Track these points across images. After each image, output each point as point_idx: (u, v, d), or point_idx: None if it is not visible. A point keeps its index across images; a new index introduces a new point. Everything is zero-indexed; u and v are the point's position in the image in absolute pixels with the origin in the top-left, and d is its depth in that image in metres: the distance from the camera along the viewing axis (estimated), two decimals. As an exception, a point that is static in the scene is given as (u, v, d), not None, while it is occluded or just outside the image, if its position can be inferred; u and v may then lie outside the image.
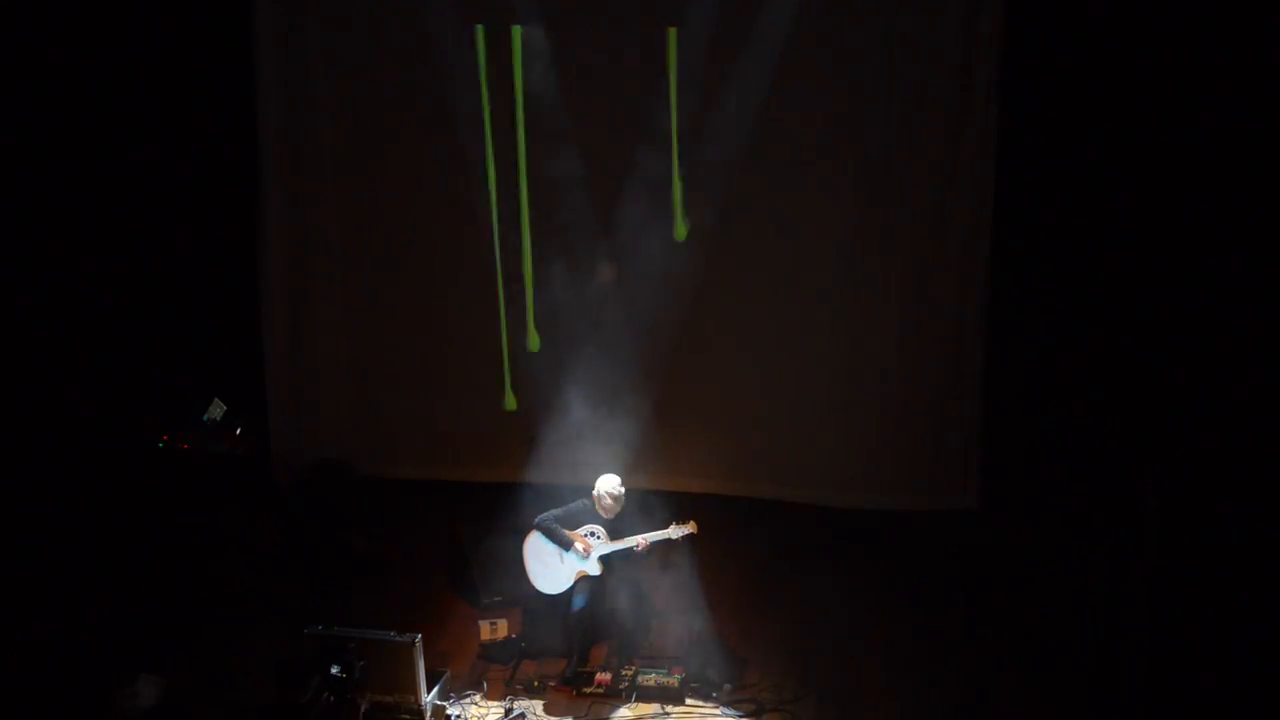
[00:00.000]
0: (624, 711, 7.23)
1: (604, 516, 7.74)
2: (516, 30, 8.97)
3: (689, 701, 7.27)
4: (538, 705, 7.27)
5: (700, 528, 7.72)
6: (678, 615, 7.95)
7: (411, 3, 9.17)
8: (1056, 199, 8.81)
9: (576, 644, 7.59)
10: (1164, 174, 8.39)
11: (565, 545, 7.65)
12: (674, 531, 7.64)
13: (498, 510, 8.51)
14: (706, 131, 9.20)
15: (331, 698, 6.49)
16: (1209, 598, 7.18)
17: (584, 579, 7.69)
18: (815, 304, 9.46)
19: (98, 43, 9.12)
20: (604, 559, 7.68)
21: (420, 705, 6.91)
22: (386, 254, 9.84)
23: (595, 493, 7.74)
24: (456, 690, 7.36)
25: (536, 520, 7.74)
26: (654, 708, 7.23)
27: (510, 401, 9.61)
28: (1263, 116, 8.06)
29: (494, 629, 7.90)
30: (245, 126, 9.45)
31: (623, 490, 7.75)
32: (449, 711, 7.15)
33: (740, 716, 7.20)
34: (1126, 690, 7.04)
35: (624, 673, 7.45)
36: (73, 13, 9.03)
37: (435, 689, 7.09)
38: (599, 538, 7.69)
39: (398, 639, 6.86)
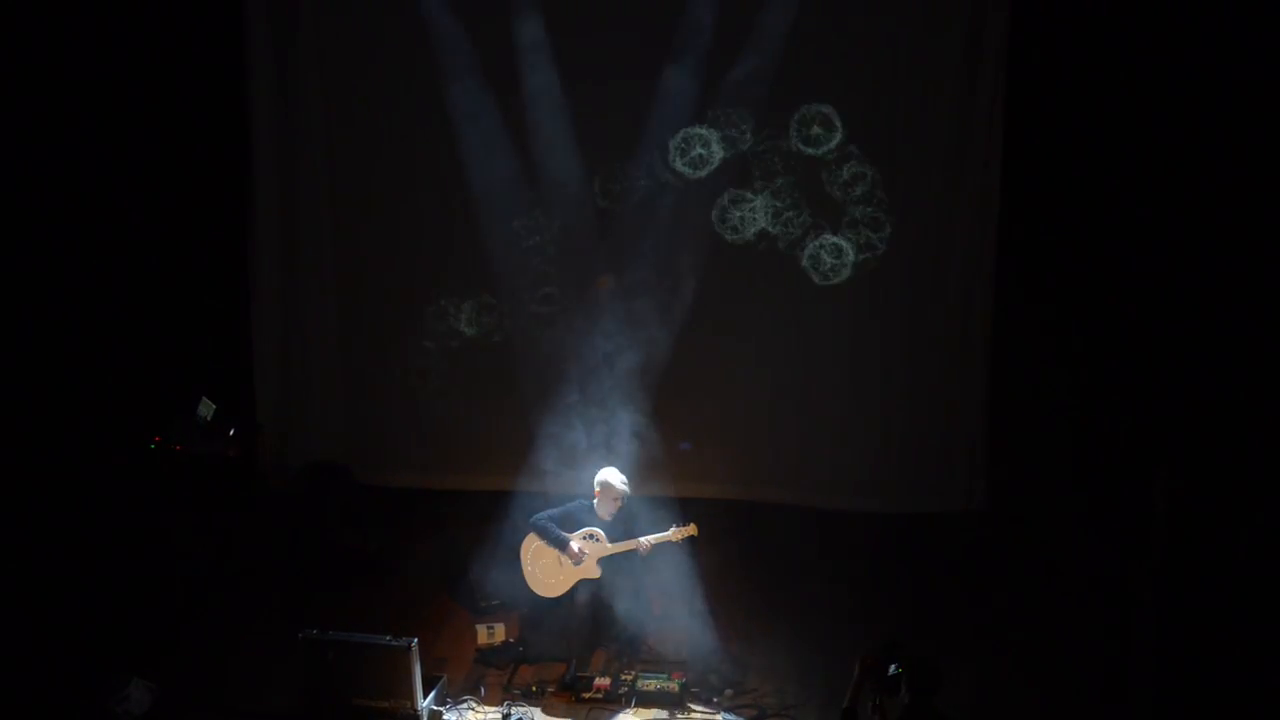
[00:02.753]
0: (624, 717, 7.13)
1: (602, 516, 7.65)
2: None
3: (690, 707, 7.18)
4: (536, 711, 7.18)
5: (705, 532, 7.65)
6: (679, 619, 7.87)
7: (407, 2, 9.15)
8: (1062, 201, 8.81)
9: (576, 648, 7.51)
10: (1170, 176, 8.40)
11: (561, 545, 7.56)
12: (674, 534, 7.55)
13: (495, 514, 8.44)
14: (709, 132, 9.19)
15: None
16: (1218, 598, 7.12)
17: (583, 582, 7.60)
18: (821, 306, 9.43)
19: (90, 43, 9.08)
20: (603, 562, 7.59)
21: (416, 710, 6.84)
22: (381, 257, 9.79)
23: (599, 480, 7.63)
24: (453, 695, 7.27)
25: (531, 520, 7.65)
26: (655, 713, 7.13)
27: None
28: (1268, 118, 8.02)
29: (491, 633, 7.83)
30: (238, 128, 9.43)
31: (624, 480, 7.64)
32: (446, 717, 7.07)
33: (742, 722, 7.12)
34: (1135, 692, 6.97)
35: (624, 678, 7.36)
36: (66, 12, 8.98)
37: (432, 694, 7.02)
38: (598, 540, 7.60)
39: (394, 643, 6.80)
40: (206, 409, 8.69)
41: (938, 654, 5.64)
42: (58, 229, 9.16)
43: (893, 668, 5.50)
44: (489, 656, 7.70)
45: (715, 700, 7.23)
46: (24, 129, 8.97)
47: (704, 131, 9.22)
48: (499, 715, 7.12)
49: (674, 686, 7.23)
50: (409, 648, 6.75)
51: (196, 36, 9.25)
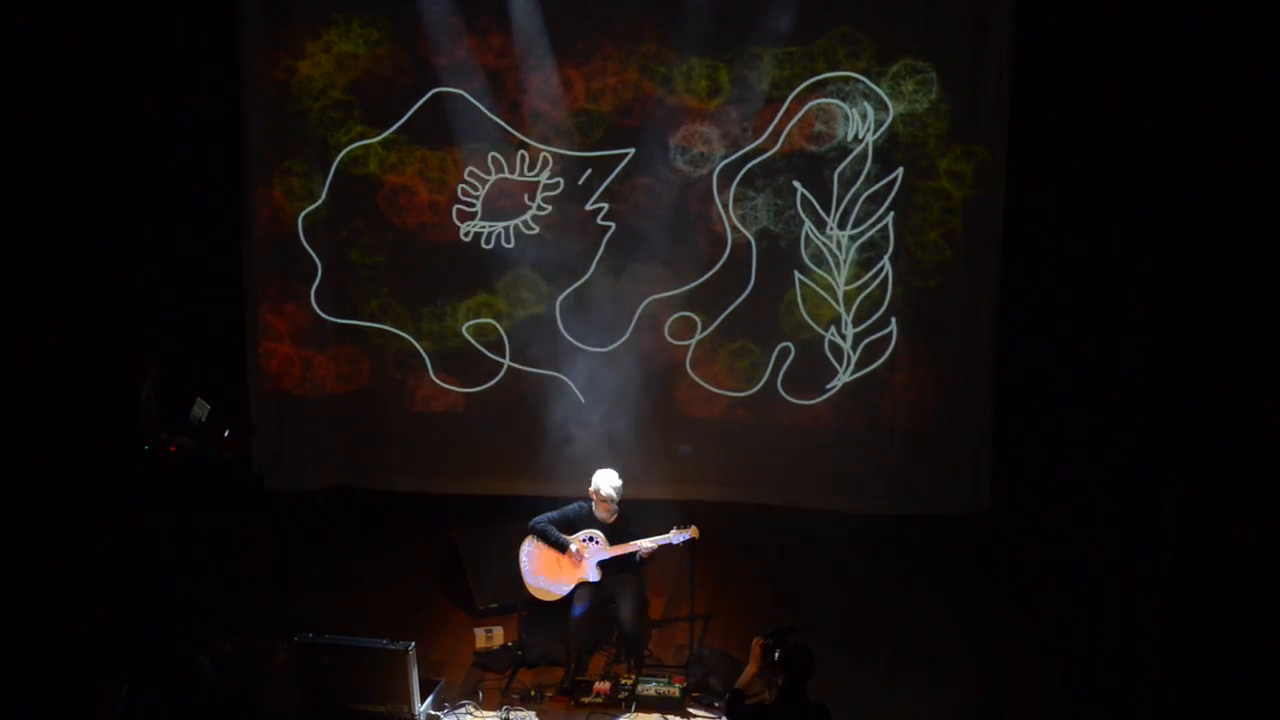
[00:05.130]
0: (624, 721, 7.09)
1: (601, 518, 7.58)
2: None
3: (690, 711, 7.12)
4: (534, 715, 7.12)
5: (705, 534, 7.58)
6: (679, 622, 7.83)
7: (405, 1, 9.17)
8: (1067, 201, 8.78)
9: (575, 652, 7.44)
10: (1177, 176, 8.33)
11: (561, 548, 7.50)
12: (675, 536, 7.49)
13: (495, 518, 8.41)
14: (710, 133, 9.19)
15: None
16: (1226, 600, 7.06)
17: (582, 585, 7.54)
18: (822, 306, 9.38)
19: (84, 43, 9.03)
20: (603, 565, 7.52)
21: (414, 715, 6.79)
22: (377, 257, 9.70)
23: (593, 488, 7.58)
24: (451, 699, 7.21)
25: (531, 523, 7.59)
26: (654, 717, 7.07)
27: None
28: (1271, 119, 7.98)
29: (489, 637, 7.78)
30: (232, 126, 9.41)
31: (619, 485, 7.57)
32: (443, 721, 7.02)
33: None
34: (1143, 692, 6.93)
35: (623, 681, 7.31)
36: (61, 12, 8.95)
37: (429, 699, 6.98)
38: (598, 543, 7.53)
39: (391, 647, 6.77)
40: (201, 410, 8.65)
41: (815, 643, 6.01)
42: (53, 226, 9.11)
43: (777, 653, 5.93)
44: (487, 660, 7.64)
45: (716, 705, 7.16)
46: (20, 130, 8.92)
47: (704, 129, 9.19)
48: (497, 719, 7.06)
49: (674, 690, 7.18)
50: (406, 651, 6.71)
51: (190, 40, 9.27)
